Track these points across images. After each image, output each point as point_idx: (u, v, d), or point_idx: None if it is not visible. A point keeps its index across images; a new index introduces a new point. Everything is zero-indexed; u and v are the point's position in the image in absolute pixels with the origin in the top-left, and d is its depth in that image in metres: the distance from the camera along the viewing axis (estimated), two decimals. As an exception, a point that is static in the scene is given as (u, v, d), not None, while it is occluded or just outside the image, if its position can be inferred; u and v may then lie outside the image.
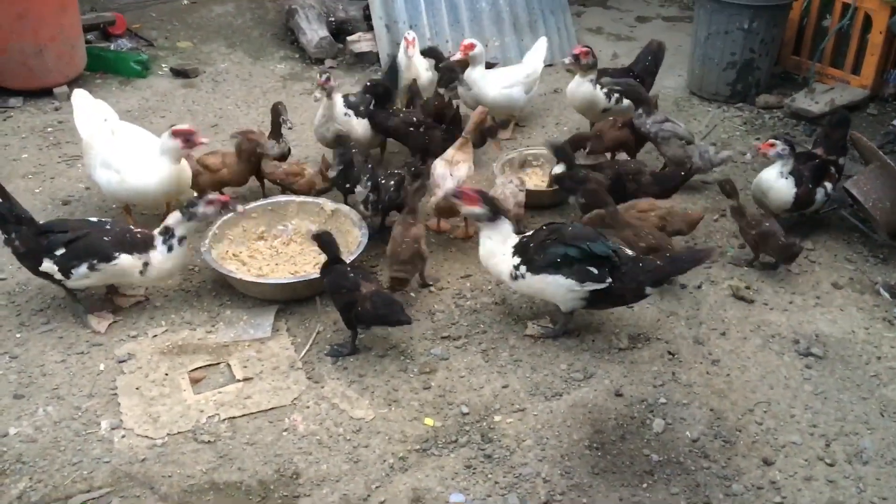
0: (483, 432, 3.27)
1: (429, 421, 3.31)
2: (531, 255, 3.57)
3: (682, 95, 6.12)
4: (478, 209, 3.64)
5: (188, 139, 3.99)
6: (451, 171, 4.33)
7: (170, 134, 4.00)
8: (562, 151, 4.38)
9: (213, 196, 3.74)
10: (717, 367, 3.62)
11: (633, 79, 5.17)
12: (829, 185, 4.45)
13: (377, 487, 3.03)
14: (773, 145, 4.31)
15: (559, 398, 3.44)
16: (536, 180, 4.90)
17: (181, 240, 3.71)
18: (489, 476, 3.08)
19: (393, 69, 5.40)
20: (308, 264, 4.11)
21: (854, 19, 5.81)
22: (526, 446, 3.21)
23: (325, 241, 3.66)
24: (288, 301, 3.92)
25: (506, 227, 3.69)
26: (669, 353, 3.69)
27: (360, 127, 4.83)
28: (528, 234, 3.74)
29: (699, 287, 4.09)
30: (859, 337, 3.81)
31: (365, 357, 3.63)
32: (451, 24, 6.40)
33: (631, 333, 3.79)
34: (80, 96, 4.44)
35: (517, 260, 3.60)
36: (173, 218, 3.71)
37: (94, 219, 3.79)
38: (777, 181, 4.31)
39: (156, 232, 3.71)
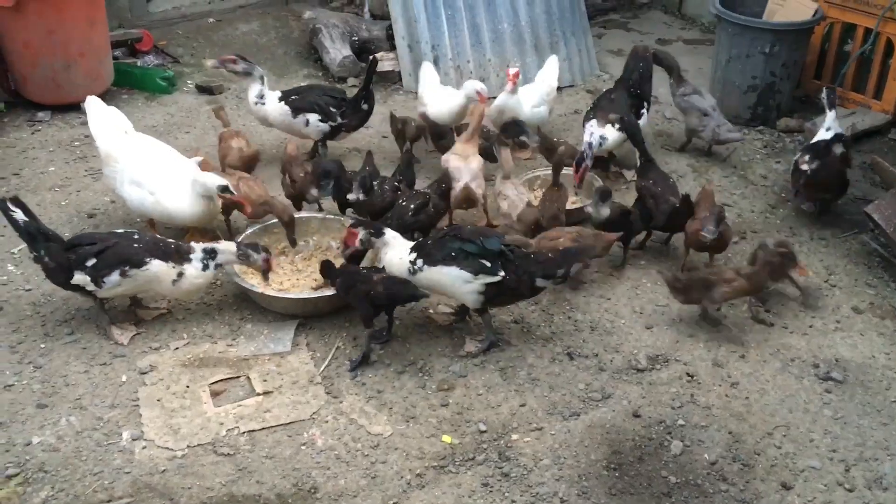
0: (500, 451, 3.27)
1: (446, 438, 3.32)
2: (429, 250, 3.73)
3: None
4: (361, 236, 3.78)
5: (224, 190, 4.05)
6: (464, 164, 4.48)
7: (204, 177, 4.07)
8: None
9: (271, 257, 3.85)
10: (736, 389, 3.61)
11: (632, 90, 5.19)
12: None
13: (394, 503, 3.04)
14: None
15: (577, 418, 3.44)
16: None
17: (217, 266, 3.79)
18: (506, 495, 3.09)
19: None
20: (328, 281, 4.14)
21: (876, 44, 5.81)
22: (543, 465, 3.21)
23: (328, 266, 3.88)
24: (308, 316, 3.95)
25: (393, 236, 3.83)
26: (688, 374, 3.69)
27: (273, 112, 5.11)
28: (428, 237, 3.97)
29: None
30: (880, 362, 3.79)
31: (384, 373, 3.65)
32: (474, 45, 6.45)
33: (649, 354, 3.79)
34: (93, 103, 4.43)
35: (413, 255, 3.74)
36: (225, 246, 3.81)
37: (120, 230, 3.85)
38: None
39: (197, 247, 3.77)
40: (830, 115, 4.84)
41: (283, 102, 5.11)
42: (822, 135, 4.87)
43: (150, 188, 4.15)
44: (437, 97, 5.19)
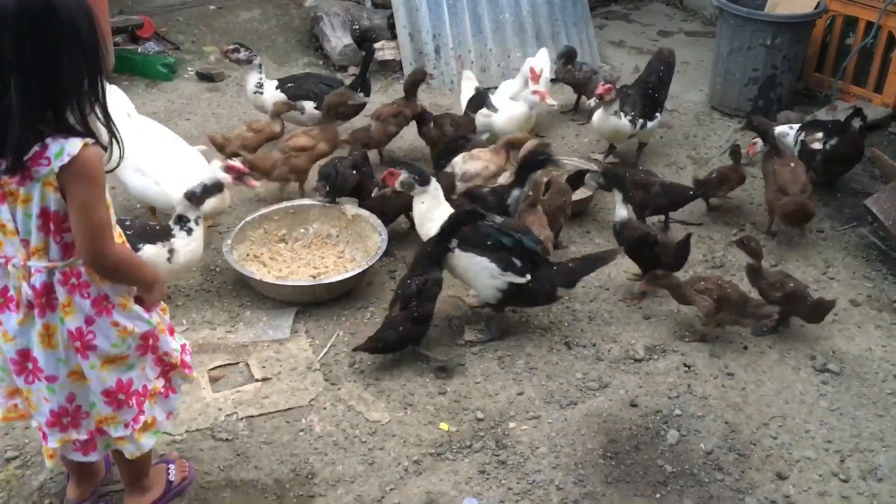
0: (497, 438, 3.29)
1: (444, 426, 3.34)
2: (465, 231, 3.63)
3: (704, 110, 6.13)
4: (403, 178, 3.71)
5: (240, 177, 3.89)
6: (465, 161, 4.42)
7: (224, 168, 3.93)
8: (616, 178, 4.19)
9: (228, 163, 3.79)
10: (733, 380, 3.63)
11: (649, 90, 5.19)
12: None
13: (391, 490, 3.06)
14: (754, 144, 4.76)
15: (574, 407, 3.46)
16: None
17: (197, 219, 3.71)
18: (503, 482, 3.10)
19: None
20: (327, 268, 4.16)
21: (878, 38, 5.80)
22: (540, 453, 3.23)
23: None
24: (307, 304, 3.96)
25: (438, 192, 3.77)
26: (685, 365, 3.70)
27: (271, 100, 5.12)
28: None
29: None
30: (876, 354, 3.81)
31: (382, 361, 3.66)
32: (475, 34, 6.44)
33: (647, 344, 3.81)
34: None
35: None
36: (181, 205, 3.70)
37: None
38: None
39: (170, 223, 3.73)
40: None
41: (279, 90, 5.14)
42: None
43: (155, 177, 4.13)
44: (504, 109, 5.07)
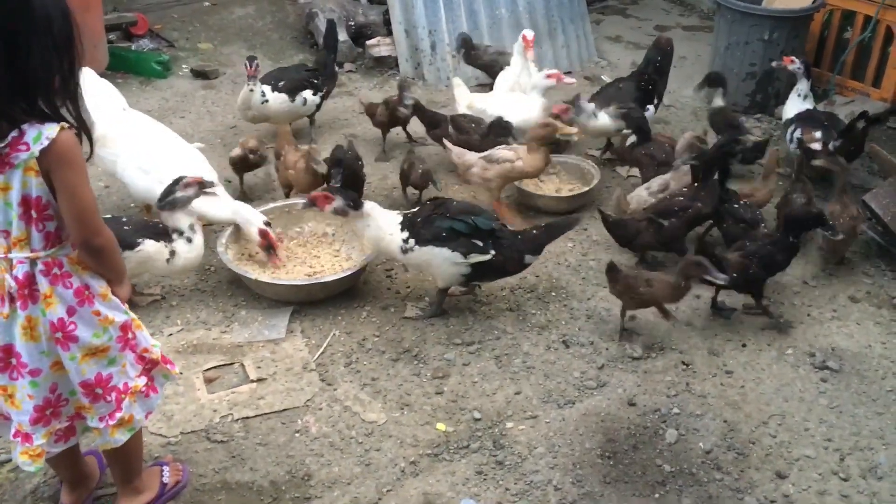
0: (495, 438, 3.26)
1: (441, 426, 3.31)
2: (418, 229, 3.67)
3: (701, 105, 6.10)
4: (336, 204, 3.67)
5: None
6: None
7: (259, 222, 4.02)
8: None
9: (187, 179, 3.70)
10: (732, 378, 3.60)
11: (642, 83, 5.17)
12: None
13: (388, 491, 3.03)
14: (792, 61, 5.08)
15: (572, 406, 3.44)
16: (553, 187, 4.90)
17: (192, 227, 3.70)
18: (500, 482, 3.08)
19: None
20: (323, 267, 4.13)
21: (875, 32, 5.78)
22: (538, 453, 3.20)
23: None
24: (302, 303, 3.94)
25: (376, 209, 3.74)
26: (684, 363, 3.68)
27: (275, 104, 5.05)
28: (414, 210, 3.86)
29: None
30: (876, 351, 3.78)
31: (378, 361, 3.64)
32: (471, 30, 6.40)
33: (645, 343, 3.78)
34: (86, 75, 4.26)
35: (406, 234, 3.68)
36: (169, 220, 3.66)
37: (107, 216, 3.80)
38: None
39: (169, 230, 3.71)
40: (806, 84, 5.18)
41: (276, 92, 5.05)
42: (798, 104, 5.11)
43: (159, 177, 4.02)
44: (514, 107, 4.95)
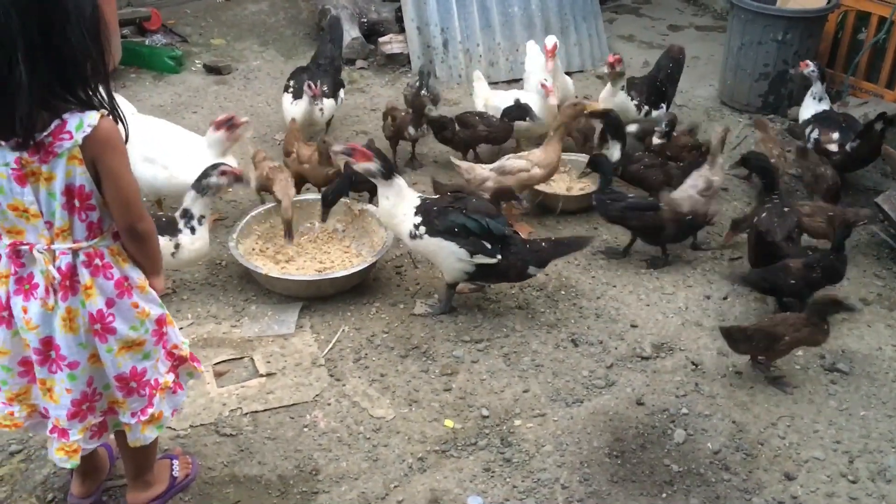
0: (503, 436, 3.27)
1: (449, 423, 3.32)
2: (431, 218, 3.66)
3: (713, 105, 6.08)
4: (371, 165, 3.63)
5: (230, 125, 4.02)
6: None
7: (213, 128, 4.04)
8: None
9: (225, 167, 3.70)
10: (741, 379, 3.59)
11: (657, 82, 5.19)
12: None
13: (395, 487, 3.04)
14: (807, 65, 5.07)
15: (580, 405, 3.43)
16: (563, 185, 4.90)
17: (201, 219, 3.70)
18: (507, 480, 3.08)
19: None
20: (333, 263, 4.14)
21: (890, 33, 5.74)
22: (545, 451, 3.20)
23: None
24: (312, 298, 3.95)
25: (402, 187, 3.72)
26: (692, 363, 3.67)
27: (328, 110, 5.14)
28: (433, 197, 3.87)
29: (725, 298, 4.07)
30: (886, 354, 3.77)
31: (387, 357, 3.65)
32: (483, 28, 6.41)
33: (654, 342, 3.78)
34: None
35: (418, 219, 3.68)
36: (188, 197, 3.69)
37: None
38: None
39: (176, 215, 3.72)
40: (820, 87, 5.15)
41: (297, 98, 5.06)
42: (814, 106, 5.09)
43: (163, 163, 4.08)
44: (532, 104, 4.95)
